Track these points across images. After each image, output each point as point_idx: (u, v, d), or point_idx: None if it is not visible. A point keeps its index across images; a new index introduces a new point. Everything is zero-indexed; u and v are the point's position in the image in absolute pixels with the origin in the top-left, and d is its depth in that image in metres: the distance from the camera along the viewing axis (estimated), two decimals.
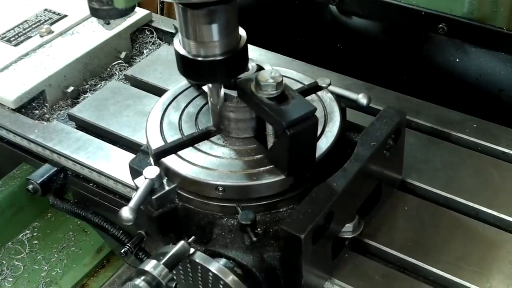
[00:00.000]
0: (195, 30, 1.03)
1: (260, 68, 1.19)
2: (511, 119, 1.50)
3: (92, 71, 1.72)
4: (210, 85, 1.15)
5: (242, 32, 1.10)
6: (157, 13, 2.21)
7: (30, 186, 1.47)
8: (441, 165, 1.38)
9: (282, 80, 1.09)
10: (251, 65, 1.19)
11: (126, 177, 1.35)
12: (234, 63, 1.08)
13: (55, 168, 1.48)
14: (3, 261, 1.82)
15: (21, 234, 1.87)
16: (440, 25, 1.55)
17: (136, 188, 1.16)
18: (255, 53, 1.66)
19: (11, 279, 1.80)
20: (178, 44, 1.08)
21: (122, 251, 1.37)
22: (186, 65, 1.08)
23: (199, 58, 1.05)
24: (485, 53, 1.56)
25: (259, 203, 1.15)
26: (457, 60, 1.61)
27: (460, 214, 1.29)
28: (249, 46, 1.61)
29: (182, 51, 1.07)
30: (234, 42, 1.07)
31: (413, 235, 1.26)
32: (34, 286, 1.80)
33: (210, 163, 1.16)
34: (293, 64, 1.65)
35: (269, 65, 1.19)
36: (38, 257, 1.84)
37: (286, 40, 1.82)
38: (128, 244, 1.41)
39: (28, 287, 1.80)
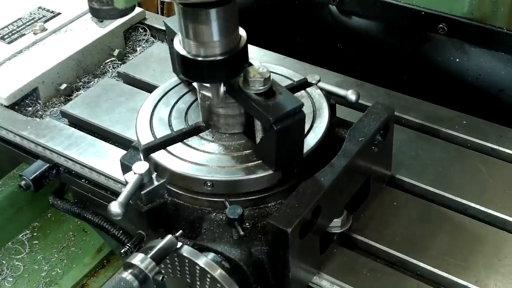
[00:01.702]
0: (195, 30, 1.04)
1: (249, 64, 1.19)
2: (511, 119, 1.51)
3: (85, 68, 1.73)
4: (209, 84, 1.15)
5: (242, 32, 1.11)
6: (157, 13, 2.22)
7: (23, 182, 1.48)
8: (430, 161, 1.39)
9: (270, 75, 1.10)
10: None
11: (118, 173, 1.36)
12: (234, 63, 1.09)
13: (47, 165, 1.49)
14: (3, 261, 1.84)
15: (21, 234, 1.88)
16: (440, 25, 1.55)
17: (125, 183, 1.16)
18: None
19: (11, 279, 1.81)
20: (178, 44, 1.09)
21: (122, 251, 1.38)
22: (186, 65, 1.09)
23: (199, 58, 1.06)
24: (485, 53, 1.56)
25: (247, 198, 1.16)
26: (457, 60, 1.61)
27: (449, 210, 1.30)
28: None
29: (182, 51, 1.08)
30: (234, 42, 1.08)
31: (401, 231, 1.26)
32: (34, 286, 1.82)
33: (199, 159, 1.17)
34: (284, 61, 1.66)
35: (257, 61, 1.20)
36: (38, 257, 1.85)
37: (286, 40, 1.82)
38: (128, 244, 1.42)
39: (28, 287, 1.81)
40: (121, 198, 1.11)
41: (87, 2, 0.93)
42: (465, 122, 1.47)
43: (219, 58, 1.06)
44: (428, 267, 1.20)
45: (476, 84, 1.61)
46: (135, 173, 1.15)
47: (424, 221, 1.28)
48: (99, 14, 0.92)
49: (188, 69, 1.10)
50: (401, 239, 1.25)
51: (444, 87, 1.66)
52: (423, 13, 1.57)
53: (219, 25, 1.04)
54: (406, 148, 1.41)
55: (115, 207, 1.09)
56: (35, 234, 1.90)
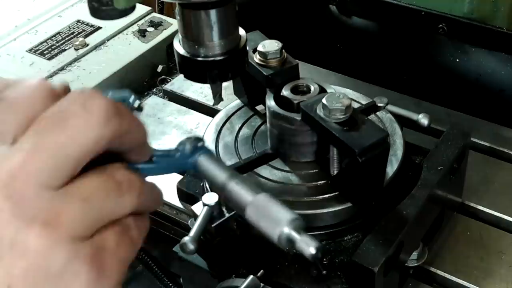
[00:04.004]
0: (194, 30, 1.00)
1: (322, 89, 1.14)
2: (511, 119, 1.48)
3: (128, 85, 1.66)
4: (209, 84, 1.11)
5: (242, 32, 1.06)
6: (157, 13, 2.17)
7: None
8: (501, 186, 1.33)
9: (351, 103, 1.04)
10: (313, 87, 1.14)
11: (173, 199, 1.30)
12: (234, 63, 1.05)
13: None
14: None
15: None
16: (440, 25, 1.53)
17: (193, 216, 1.10)
18: None
19: None
20: (178, 44, 1.04)
21: None
22: (185, 65, 1.05)
23: (199, 58, 1.02)
24: (485, 53, 1.54)
25: (323, 232, 1.10)
26: (457, 60, 1.59)
27: None
28: None
29: (182, 51, 1.03)
30: (234, 42, 1.03)
31: (477, 262, 1.20)
32: None
33: (271, 189, 1.11)
34: (331, 77, 1.60)
35: (331, 87, 1.14)
36: None
37: (285, 40, 1.81)
38: None
39: None
40: (192, 232, 1.04)
41: (86, 2, 0.89)
42: None
43: (219, 58, 1.02)
44: None
45: (476, 84, 1.59)
46: (204, 205, 1.09)
47: (501, 252, 1.22)
48: (98, 14, 0.88)
49: (188, 69, 1.05)
50: (478, 272, 1.19)
51: (444, 87, 1.63)
52: (423, 13, 1.55)
53: (219, 26, 0.99)
54: (475, 173, 1.35)
55: (188, 243, 1.02)
56: None
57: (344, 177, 1.06)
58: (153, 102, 1.58)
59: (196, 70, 1.05)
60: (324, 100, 1.04)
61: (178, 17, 1.02)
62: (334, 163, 1.09)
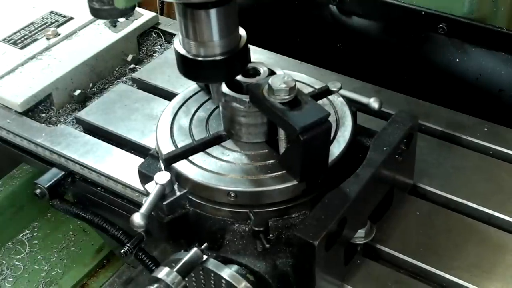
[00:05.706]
0: (195, 29, 1.03)
1: (271, 72, 1.18)
2: (511, 119, 1.50)
3: (98, 74, 1.71)
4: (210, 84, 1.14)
5: (242, 32, 1.09)
6: (157, 13, 2.20)
7: (38, 191, 1.45)
8: (452, 169, 1.37)
9: (295, 85, 1.08)
10: (263, 69, 1.18)
11: (135, 182, 1.34)
12: (234, 63, 1.08)
13: (63, 172, 1.47)
14: (3, 261, 1.84)
15: (21, 234, 1.88)
16: (440, 25, 1.55)
17: (146, 194, 1.15)
18: (262, 55, 1.65)
19: (11, 279, 1.81)
20: (178, 43, 1.07)
21: (121, 251, 1.36)
22: (186, 65, 1.08)
23: (199, 58, 1.05)
24: (485, 53, 1.56)
25: (271, 209, 1.14)
26: (457, 60, 1.61)
27: (473, 219, 1.28)
28: (256, 49, 1.61)
29: (182, 51, 1.07)
30: (234, 42, 1.07)
31: (425, 241, 1.24)
32: (34, 286, 1.82)
33: (221, 169, 1.15)
34: (301, 67, 1.64)
35: (280, 69, 1.18)
36: (38, 257, 1.86)
37: (286, 40, 1.82)
38: (128, 245, 1.40)
39: (28, 287, 1.81)
40: (143, 209, 1.09)
41: (87, 2, 0.91)
42: (486, 129, 1.45)
43: (219, 58, 1.05)
44: (454, 278, 1.18)
45: (476, 84, 1.61)
46: (156, 183, 1.13)
47: (448, 231, 1.26)
48: (99, 14, 0.91)
49: (188, 69, 1.08)
50: (425, 250, 1.23)
51: (444, 87, 1.65)
52: (423, 13, 1.57)
53: (219, 25, 1.03)
54: (428, 156, 1.39)
55: (138, 218, 1.07)
56: (35, 234, 1.90)
57: (289, 155, 1.11)
58: (120, 89, 1.62)
59: (195, 70, 1.08)
60: (270, 81, 1.08)
61: (178, 17, 1.05)
62: (282, 143, 1.13)
